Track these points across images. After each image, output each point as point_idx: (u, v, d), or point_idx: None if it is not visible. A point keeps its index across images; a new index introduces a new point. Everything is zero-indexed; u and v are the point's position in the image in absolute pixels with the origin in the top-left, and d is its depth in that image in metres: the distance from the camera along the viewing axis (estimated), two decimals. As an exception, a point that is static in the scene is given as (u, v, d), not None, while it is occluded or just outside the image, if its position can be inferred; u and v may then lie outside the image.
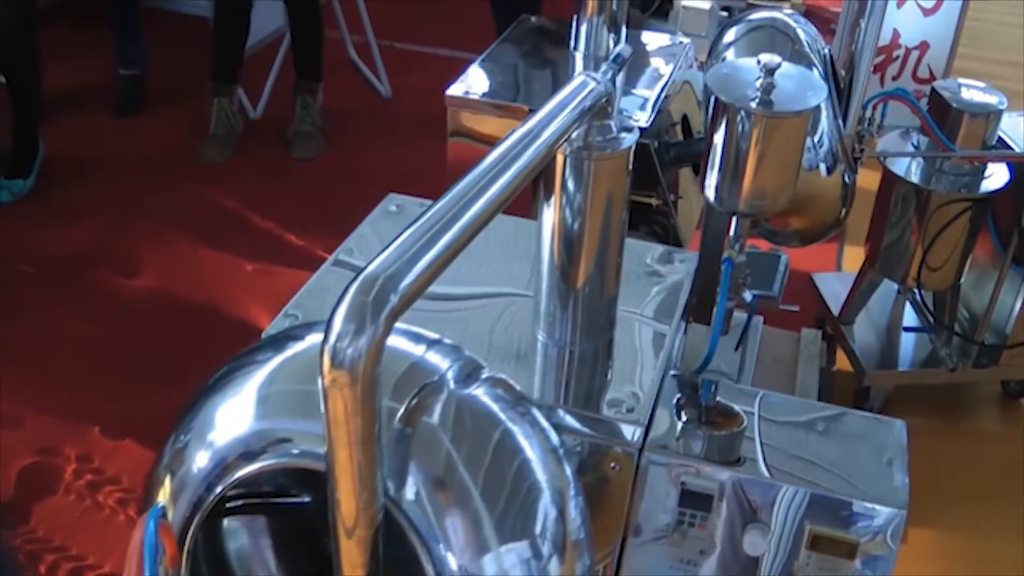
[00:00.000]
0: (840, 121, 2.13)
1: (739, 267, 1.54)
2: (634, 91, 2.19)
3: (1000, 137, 2.50)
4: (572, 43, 2.32)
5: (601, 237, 1.40)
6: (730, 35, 2.21)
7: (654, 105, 2.12)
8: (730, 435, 1.33)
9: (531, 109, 2.18)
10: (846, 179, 2.14)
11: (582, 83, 1.24)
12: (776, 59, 1.35)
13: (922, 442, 2.99)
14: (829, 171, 2.12)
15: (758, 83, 1.36)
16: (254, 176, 3.86)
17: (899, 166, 2.56)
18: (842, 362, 3.03)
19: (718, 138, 1.41)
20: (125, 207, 3.62)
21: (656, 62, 2.33)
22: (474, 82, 2.17)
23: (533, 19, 2.52)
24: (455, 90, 2.13)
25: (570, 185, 1.34)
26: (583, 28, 2.30)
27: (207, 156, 3.93)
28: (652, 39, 2.44)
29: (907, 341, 2.90)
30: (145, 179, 3.80)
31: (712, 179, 1.45)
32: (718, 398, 1.35)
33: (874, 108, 2.27)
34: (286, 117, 4.06)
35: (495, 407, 1.10)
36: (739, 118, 1.37)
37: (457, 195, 0.97)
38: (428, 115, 2.72)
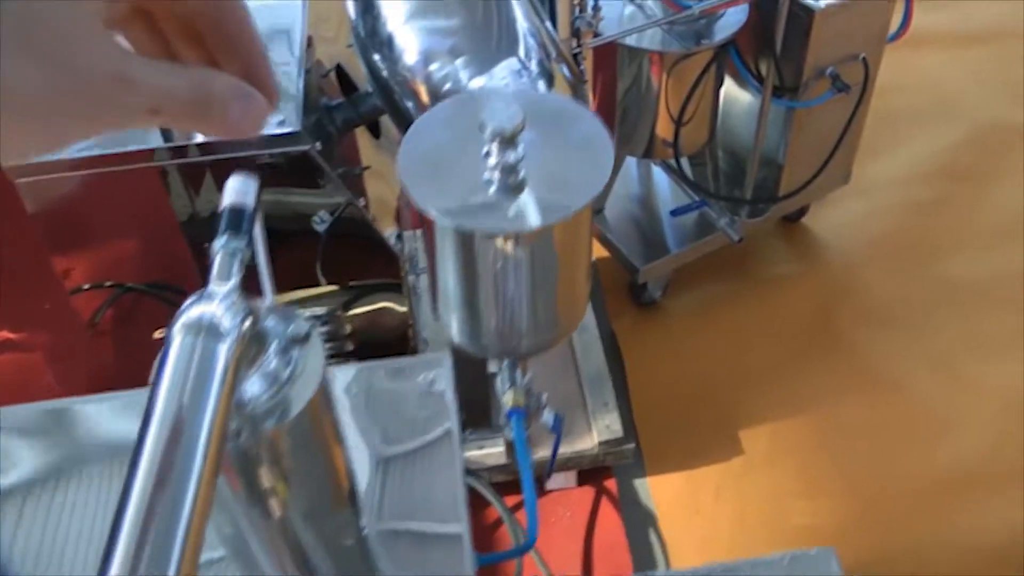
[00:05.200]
0: (548, 26, 1.55)
1: (528, 394, 0.97)
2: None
3: (726, -39, 1.98)
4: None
5: (323, 495, 0.78)
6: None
7: (302, 88, 1.46)
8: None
9: (124, 153, 1.50)
10: (572, 88, 1.58)
11: (192, 350, 0.58)
12: (515, 116, 0.72)
13: (724, 314, 2.59)
14: (549, 87, 1.55)
15: (491, 163, 0.74)
16: None
17: (616, 32, 2.00)
18: (596, 249, 2.54)
19: (448, 269, 0.79)
20: None
21: (277, 15, 1.65)
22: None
23: None
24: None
25: (248, 472, 0.69)
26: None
27: None
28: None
29: (671, 216, 2.43)
30: None
31: (455, 322, 0.84)
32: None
33: (582, -10, 1.69)
34: None
35: None
36: (479, 243, 0.75)
37: None
38: None
